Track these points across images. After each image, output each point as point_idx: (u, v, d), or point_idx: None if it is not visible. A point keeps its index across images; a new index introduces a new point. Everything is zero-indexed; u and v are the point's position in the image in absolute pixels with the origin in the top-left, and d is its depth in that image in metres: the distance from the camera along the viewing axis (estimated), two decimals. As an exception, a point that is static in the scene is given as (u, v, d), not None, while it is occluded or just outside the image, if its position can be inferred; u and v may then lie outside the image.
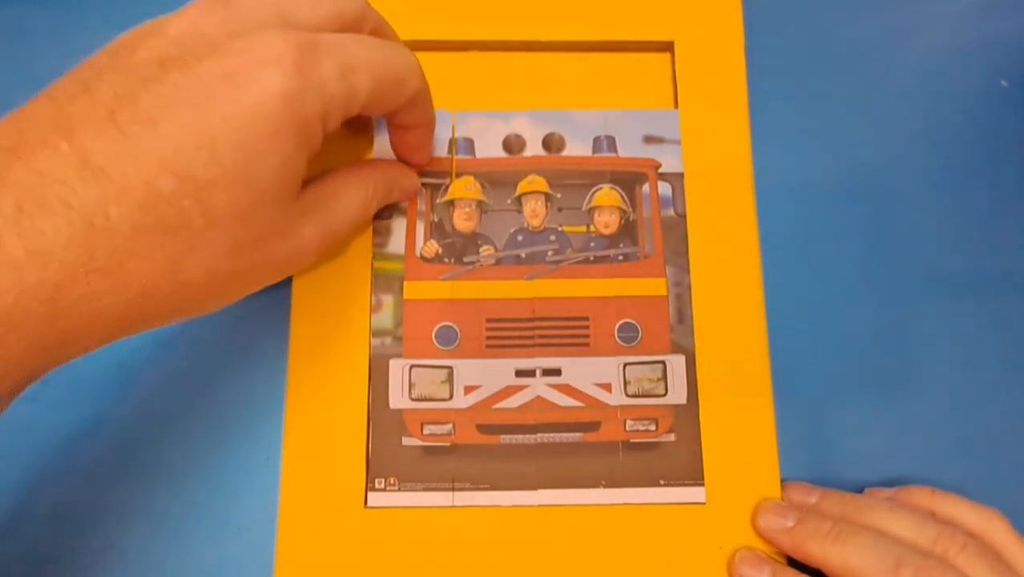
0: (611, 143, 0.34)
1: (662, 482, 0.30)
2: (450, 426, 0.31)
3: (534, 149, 0.33)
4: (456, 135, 0.33)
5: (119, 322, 0.22)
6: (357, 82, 0.24)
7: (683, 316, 0.32)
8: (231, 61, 0.22)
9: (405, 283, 0.32)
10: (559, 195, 0.33)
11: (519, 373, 0.31)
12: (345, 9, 0.25)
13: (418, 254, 0.32)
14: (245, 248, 0.23)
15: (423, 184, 0.33)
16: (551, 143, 0.33)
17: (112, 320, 0.22)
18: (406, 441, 0.30)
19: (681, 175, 0.33)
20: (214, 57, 0.22)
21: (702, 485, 0.30)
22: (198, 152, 0.21)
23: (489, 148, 0.33)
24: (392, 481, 0.30)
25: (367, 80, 0.24)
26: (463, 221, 0.33)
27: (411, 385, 0.31)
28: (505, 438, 0.31)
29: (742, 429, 0.31)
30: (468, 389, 0.31)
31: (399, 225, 0.32)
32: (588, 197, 0.33)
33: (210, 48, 0.22)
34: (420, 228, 0.32)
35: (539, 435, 0.31)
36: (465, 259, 0.32)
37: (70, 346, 0.22)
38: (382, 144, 0.33)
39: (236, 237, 0.23)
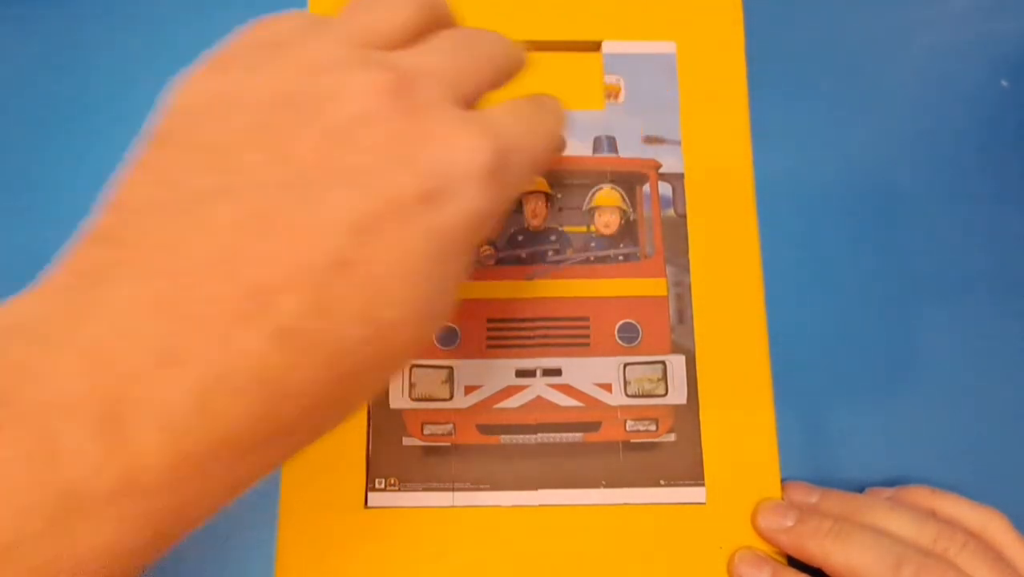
0: (611, 143, 0.34)
1: (662, 482, 0.30)
2: (450, 426, 0.31)
3: (534, 149, 0.33)
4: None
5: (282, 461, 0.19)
6: (526, 175, 0.21)
7: (683, 316, 0.32)
8: (427, 180, 0.17)
9: (405, 283, 0.32)
10: (559, 195, 0.33)
11: (519, 373, 0.31)
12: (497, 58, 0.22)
13: (418, 254, 0.32)
14: (402, 362, 0.23)
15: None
16: (551, 143, 0.33)
17: (276, 467, 0.19)
18: (406, 441, 0.30)
19: (681, 175, 0.33)
20: (409, 171, 0.17)
21: (702, 485, 0.30)
22: (389, 293, 0.17)
23: (489, 148, 0.33)
24: (392, 481, 0.30)
25: (535, 167, 0.21)
26: (463, 221, 0.33)
27: (411, 385, 0.31)
28: (505, 438, 0.31)
29: (742, 429, 0.31)
30: (468, 389, 0.31)
31: (399, 225, 0.32)
32: (588, 197, 0.33)
33: (397, 159, 0.17)
34: (420, 228, 0.32)
35: (539, 435, 0.31)
36: (465, 259, 0.32)
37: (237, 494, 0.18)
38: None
39: (408, 357, 0.20)
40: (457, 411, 0.31)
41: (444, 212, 0.18)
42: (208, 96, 0.18)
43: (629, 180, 0.33)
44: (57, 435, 0.14)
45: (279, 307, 0.16)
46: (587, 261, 0.33)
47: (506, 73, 0.22)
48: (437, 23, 0.21)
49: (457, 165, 0.18)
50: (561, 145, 0.24)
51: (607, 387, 0.31)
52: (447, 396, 0.31)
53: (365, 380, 0.18)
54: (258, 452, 0.17)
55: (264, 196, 0.16)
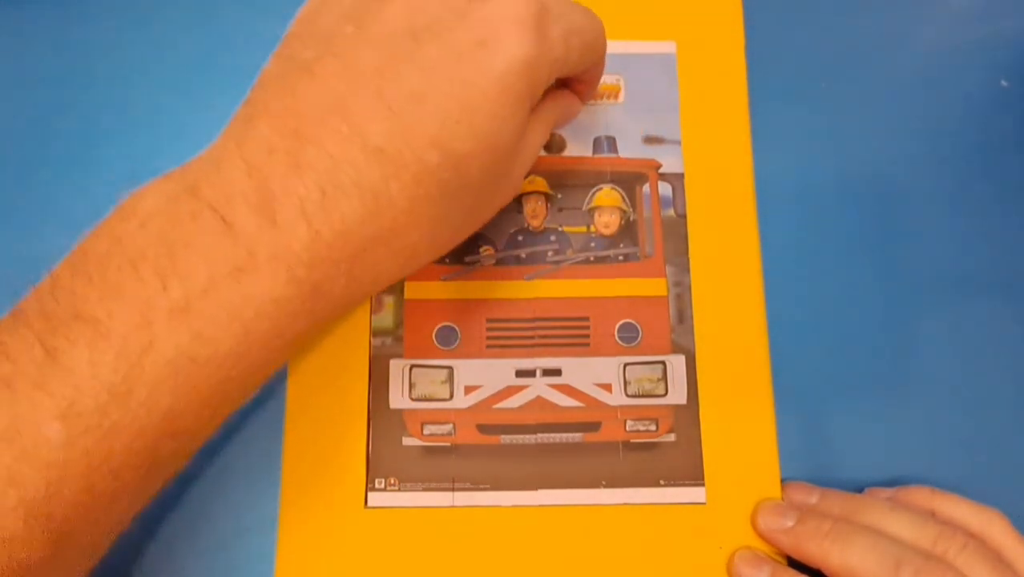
0: (611, 143, 0.34)
1: (662, 482, 0.30)
2: (450, 426, 0.31)
3: (534, 149, 0.33)
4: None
5: (388, 283, 0.25)
6: (572, 47, 0.24)
7: (683, 316, 0.32)
8: (481, 29, 0.22)
9: (406, 283, 0.32)
10: (559, 195, 0.33)
11: (519, 373, 0.31)
12: None
13: (418, 254, 0.32)
14: (484, 202, 0.26)
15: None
16: (551, 143, 0.33)
17: (385, 282, 0.24)
18: (406, 441, 0.30)
19: (681, 175, 0.33)
20: (464, 25, 0.22)
21: (702, 485, 0.30)
22: (458, 125, 0.22)
23: (489, 148, 0.33)
24: (392, 481, 0.30)
25: (579, 45, 0.25)
26: (463, 221, 0.33)
27: (411, 385, 0.31)
28: (505, 438, 0.31)
29: (742, 429, 0.31)
30: (468, 389, 0.31)
31: (399, 225, 0.32)
32: (588, 197, 0.33)
33: (457, 14, 0.22)
34: (420, 228, 0.32)
35: (539, 435, 0.31)
36: (465, 259, 0.32)
37: (355, 304, 0.24)
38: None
39: (480, 196, 0.25)
40: (457, 411, 0.31)
41: (497, 55, 0.22)
42: None
43: (629, 180, 0.33)
44: (232, 216, 0.21)
45: (368, 131, 0.22)
46: (587, 261, 0.33)
47: None
48: None
49: (503, 15, 0.22)
50: (602, 36, 0.26)
51: (607, 387, 0.31)
52: (447, 396, 0.31)
53: (441, 207, 0.23)
54: (366, 257, 0.22)
55: (354, 53, 0.22)
